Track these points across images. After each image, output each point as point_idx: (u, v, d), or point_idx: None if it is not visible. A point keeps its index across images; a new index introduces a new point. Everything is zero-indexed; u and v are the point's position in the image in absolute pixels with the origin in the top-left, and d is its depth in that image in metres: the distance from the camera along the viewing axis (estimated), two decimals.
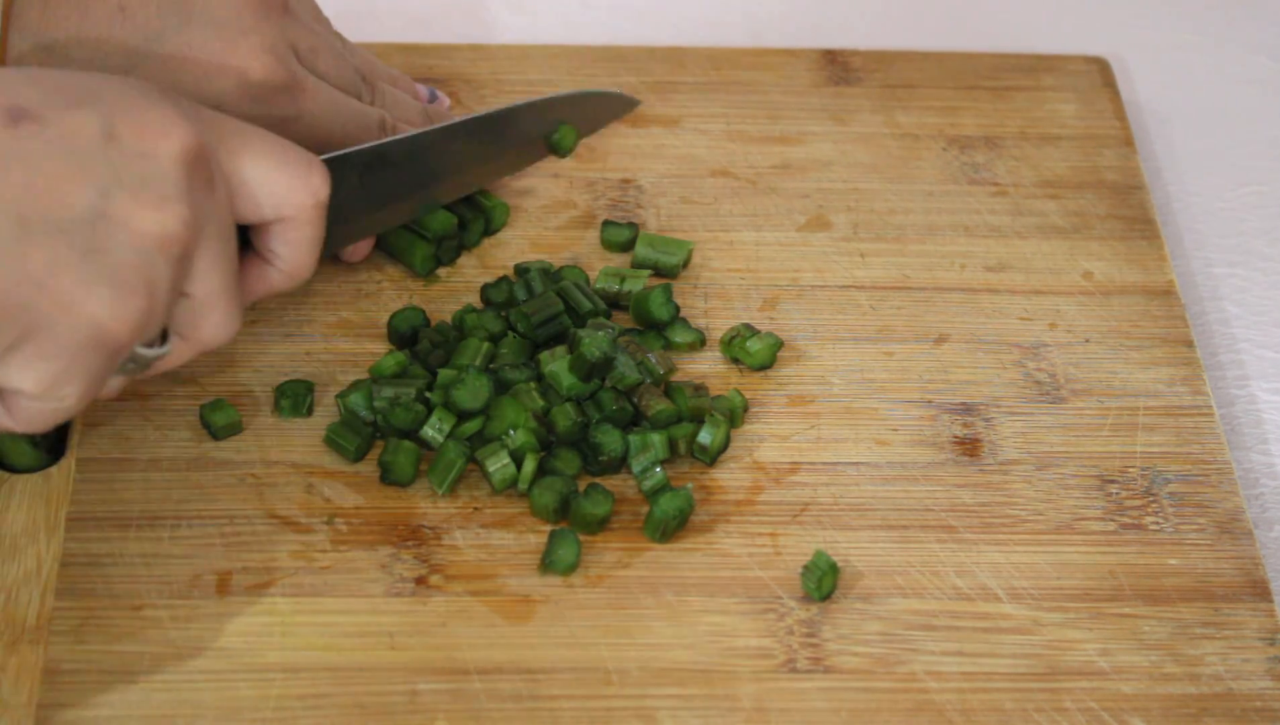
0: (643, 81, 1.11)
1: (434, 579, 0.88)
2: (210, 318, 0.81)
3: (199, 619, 0.86)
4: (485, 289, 0.98)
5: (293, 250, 0.85)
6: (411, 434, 0.92)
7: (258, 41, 0.93)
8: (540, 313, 0.95)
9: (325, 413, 0.94)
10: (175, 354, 0.82)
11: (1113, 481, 0.94)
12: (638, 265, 1.01)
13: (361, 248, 0.99)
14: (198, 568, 0.88)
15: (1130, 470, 0.94)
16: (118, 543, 0.88)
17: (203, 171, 0.79)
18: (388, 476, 0.91)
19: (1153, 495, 0.93)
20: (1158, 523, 0.92)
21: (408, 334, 0.96)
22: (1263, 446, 0.99)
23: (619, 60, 1.12)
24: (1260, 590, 0.90)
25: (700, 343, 0.97)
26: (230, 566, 0.88)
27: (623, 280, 0.99)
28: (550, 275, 0.98)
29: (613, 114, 1.08)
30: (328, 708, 0.84)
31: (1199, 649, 0.87)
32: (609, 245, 1.02)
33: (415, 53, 1.11)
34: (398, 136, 0.96)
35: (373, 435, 0.92)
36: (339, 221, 0.91)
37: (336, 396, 0.93)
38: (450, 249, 1.00)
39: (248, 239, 0.85)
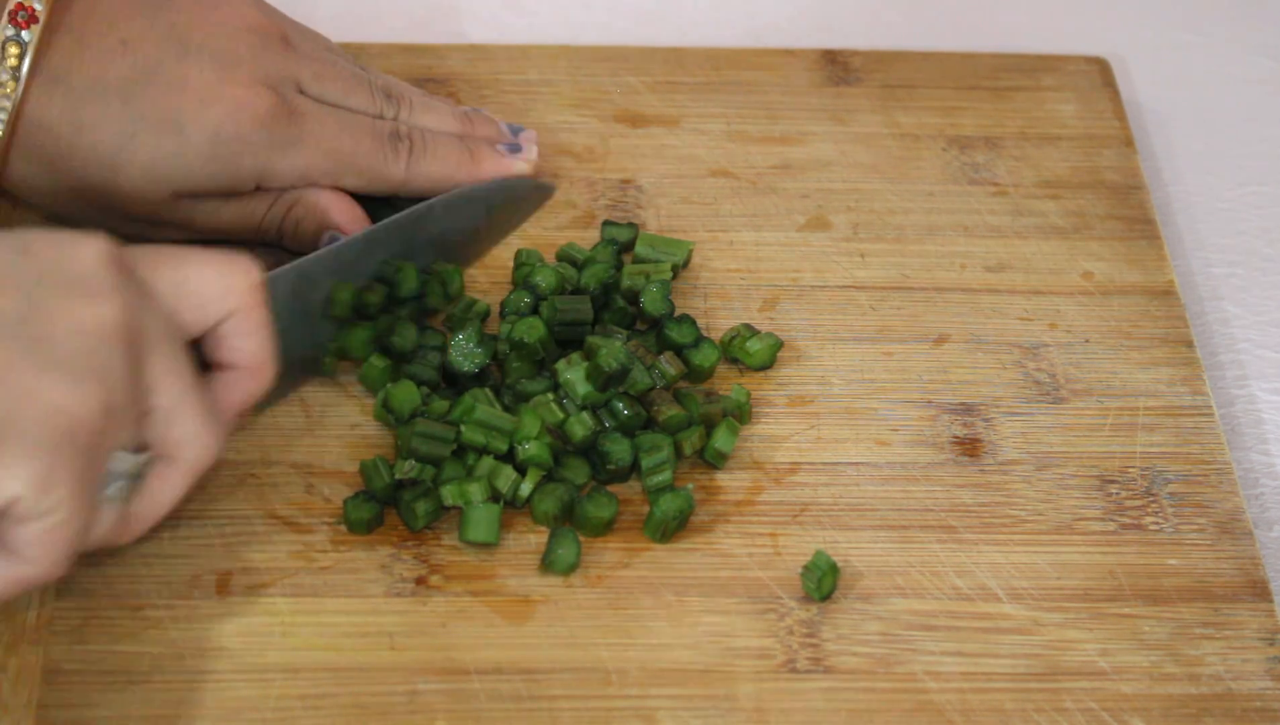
0: (643, 81, 1.11)
1: (434, 579, 0.88)
2: (183, 430, 0.80)
3: (199, 619, 0.86)
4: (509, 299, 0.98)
5: (251, 339, 0.83)
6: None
7: (251, 72, 0.94)
8: (569, 314, 0.95)
9: (328, 406, 0.94)
10: (168, 482, 0.81)
11: (1113, 481, 0.94)
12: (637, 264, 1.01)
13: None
14: (198, 568, 0.88)
15: (1130, 470, 0.94)
16: None
17: (127, 273, 0.78)
18: (408, 522, 0.90)
19: (1153, 495, 0.93)
20: (1158, 523, 0.92)
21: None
22: (1263, 446, 0.99)
23: (619, 60, 1.12)
24: (1260, 590, 0.90)
25: (714, 359, 0.96)
26: (230, 566, 0.88)
27: (647, 277, 0.99)
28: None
29: (533, 205, 1.04)
30: (328, 708, 0.84)
31: (1199, 649, 0.87)
32: (609, 245, 1.02)
33: (415, 53, 1.11)
34: (316, 253, 0.94)
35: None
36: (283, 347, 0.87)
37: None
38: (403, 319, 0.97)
39: (204, 363, 0.83)
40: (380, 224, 0.96)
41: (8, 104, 0.91)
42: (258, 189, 0.96)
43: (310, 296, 0.93)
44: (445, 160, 0.99)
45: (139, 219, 0.95)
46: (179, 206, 0.95)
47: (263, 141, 0.94)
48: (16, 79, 0.91)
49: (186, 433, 0.80)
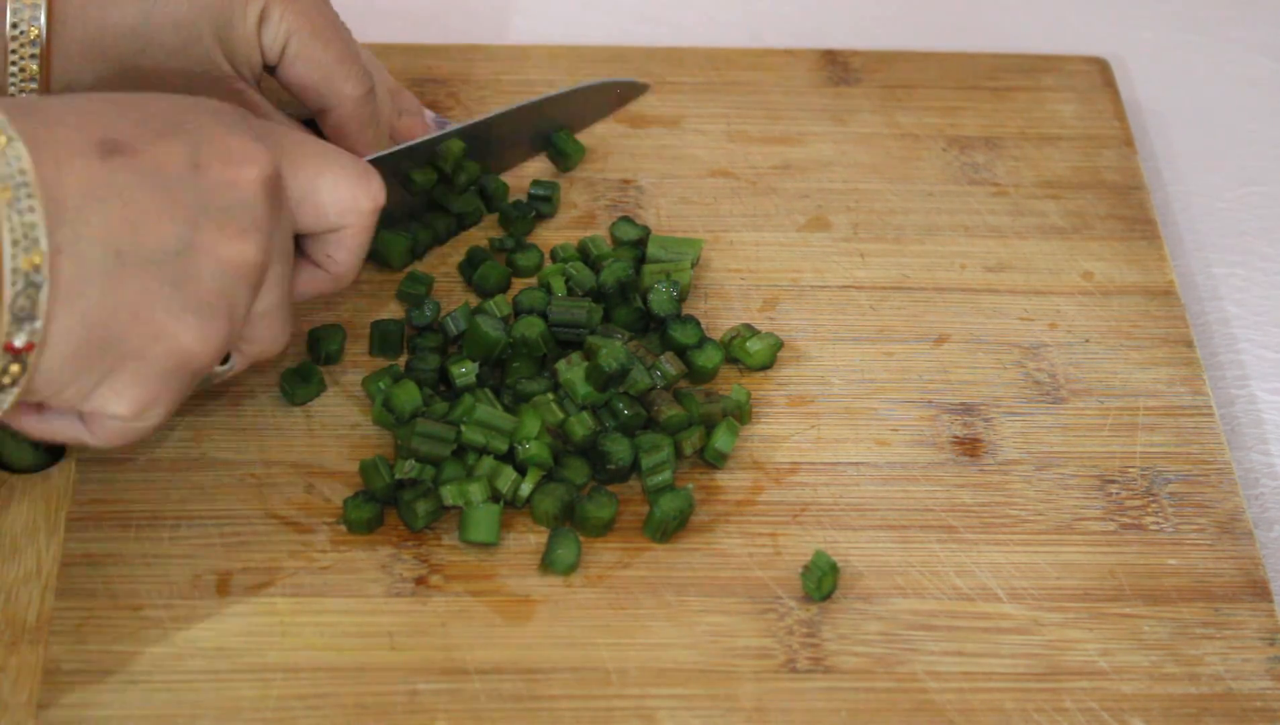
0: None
1: (434, 579, 0.88)
2: (268, 331, 0.84)
3: (199, 619, 0.86)
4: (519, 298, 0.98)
5: (348, 254, 0.87)
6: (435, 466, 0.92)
7: None
8: (563, 316, 0.95)
9: (328, 406, 0.94)
10: (235, 367, 0.86)
11: (1113, 481, 0.94)
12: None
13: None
14: (198, 568, 0.88)
15: (1130, 470, 0.94)
16: (118, 543, 0.88)
17: (279, 197, 0.82)
18: (408, 522, 0.90)
19: (1153, 495, 0.93)
20: (1158, 523, 0.92)
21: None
22: (1263, 446, 0.99)
23: (619, 60, 1.12)
24: (1260, 590, 0.90)
25: (718, 361, 0.96)
26: (230, 566, 0.88)
27: (668, 276, 0.98)
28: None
29: (624, 99, 1.10)
30: (328, 708, 0.84)
31: (1199, 649, 0.87)
32: (619, 243, 1.02)
33: (415, 53, 1.11)
34: (430, 136, 1.00)
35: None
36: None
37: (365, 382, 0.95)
38: (425, 240, 1.01)
39: (296, 244, 0.87)
40: (483, 117, 1.02)
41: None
42: (265, 67, 0.97)
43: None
44: (372, 132, 1.00)
45: None
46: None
47: None
48: None
49: (266, 334, 0.84)
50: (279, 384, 0.94)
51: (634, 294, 0.98)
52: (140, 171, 0.78)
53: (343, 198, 0.85)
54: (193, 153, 0.80)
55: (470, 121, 1.02)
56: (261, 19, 0.95)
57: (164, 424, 0.83)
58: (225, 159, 0.80)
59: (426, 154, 1.00)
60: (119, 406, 0.80)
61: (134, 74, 0.94)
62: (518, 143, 1.05)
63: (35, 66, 0.92)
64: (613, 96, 1.09)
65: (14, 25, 0.92)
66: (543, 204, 1.03)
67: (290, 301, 0.85)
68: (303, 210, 0.85)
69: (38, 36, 0.92)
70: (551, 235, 1.03)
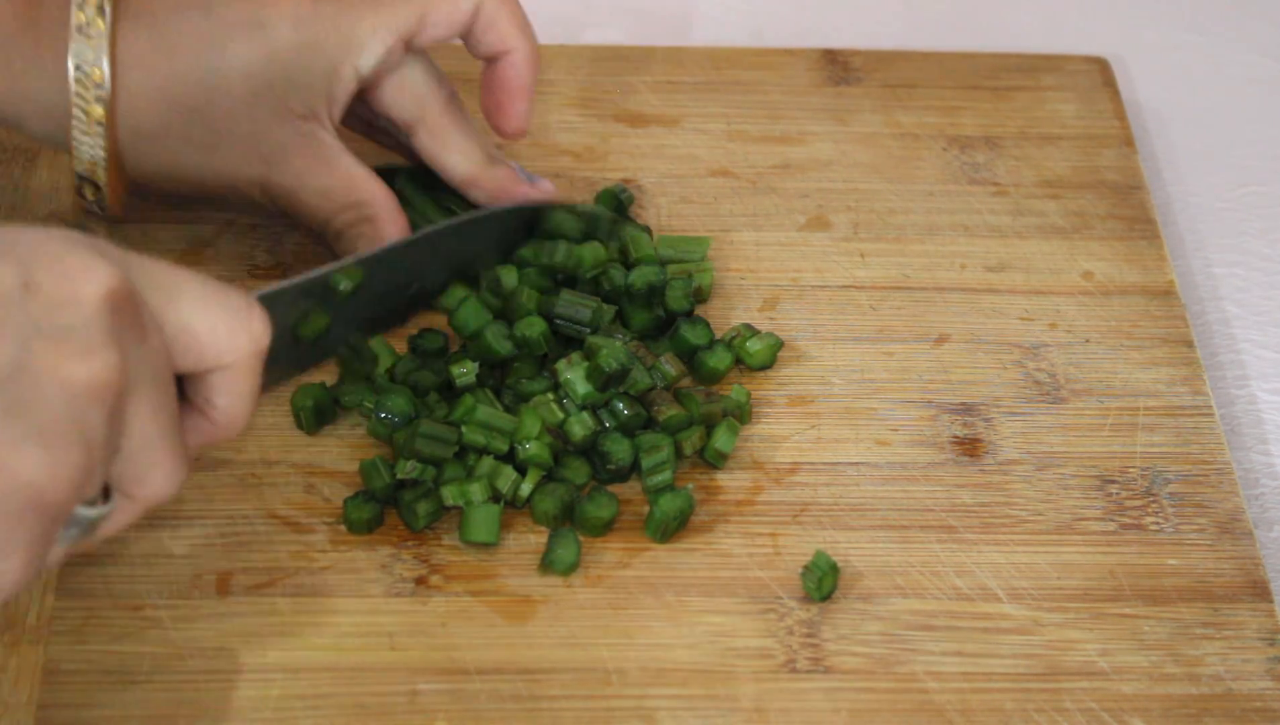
0: (643, 81, 1.11)
1: (434, 579, 0.88)
2: (152, 471, 0.75)
3: (199, 619, 0.86)
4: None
5: (231, 400, 0.79)
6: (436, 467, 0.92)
7: None
8: (567, 311, 0.95)
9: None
10: (119, 514, 0.77)
11: (1113, 481, 0.94)
12: None
13: None
14: (198, 568, 0.88)
15: (1130, 470, 0.94)
16: (118, 543, 0.88)
17: (130, 316, 0.73)
18: (408, 522, 0.90)
19: (1153, 495, 0.93)
20: (1158, 523, 0.92)
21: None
22: (1263, 446, 0.99)
23: (619, 60, 1.12)
24: (1260, 590, 0.90)
25: (728, 362, 0.96)
26: (230, 566, 0.88)
27: (690, 276, 0.98)
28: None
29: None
30: (328, 708, 0.84)
31: (1199, 649, 0.87)
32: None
33: None
34: (323, 269, 0.93)
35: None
36: (273, 361, 0.84)
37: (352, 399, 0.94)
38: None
39: (180, 390, 0.79)
40: (402, 241, 0.96)
41: (103, 41, 0.90)
42: (365, 106, 0.96)
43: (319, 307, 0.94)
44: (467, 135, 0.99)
45: (238, 181, 0.95)
46: (272, 176, 0.94)
47: (339, 12, 0.93)
48: (103, 15, 0.90)
49: (149, 475, 0.76)
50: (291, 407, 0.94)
51: (658, 299, 0.97)
52: None
53: (218, 336, 0.77)
54: (23, 272, 0.71)
55: (379, 248, 0.95)
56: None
57: (29, 581, 0.71)
58: (60, 276, 0.71)
59: (319, 288, 0.92)
60: None
61: (202, 120, 0.93)
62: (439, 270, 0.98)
63: (101, 110, 0.91)
64: (520, 226, 1.00)
65: (77, 67, 0.90)
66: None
67: (179, 440, 0.76)
68: (178, 346, 0.76)
69: (102, 79, 0.91)
70: None
